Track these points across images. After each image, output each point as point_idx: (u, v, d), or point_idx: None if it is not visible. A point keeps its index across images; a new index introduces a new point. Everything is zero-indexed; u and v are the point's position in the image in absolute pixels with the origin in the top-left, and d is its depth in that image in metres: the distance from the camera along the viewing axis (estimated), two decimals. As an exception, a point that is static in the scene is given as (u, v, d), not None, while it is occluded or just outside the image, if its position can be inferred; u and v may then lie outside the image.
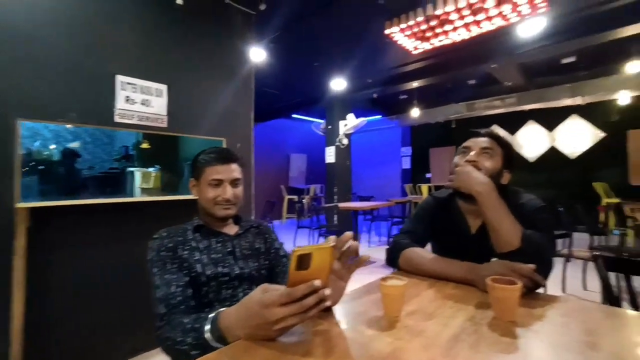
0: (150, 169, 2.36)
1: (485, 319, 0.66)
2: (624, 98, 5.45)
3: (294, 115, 8.32)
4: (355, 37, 3.90)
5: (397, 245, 1.08)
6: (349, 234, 0.63)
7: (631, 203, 4.49)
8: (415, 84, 5.42)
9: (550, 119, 6.55)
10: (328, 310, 0.70)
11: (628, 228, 3.48)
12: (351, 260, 0.67)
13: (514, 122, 6.96)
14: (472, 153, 1.08)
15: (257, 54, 3.63)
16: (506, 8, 2.80)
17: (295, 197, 8.21)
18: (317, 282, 0.52)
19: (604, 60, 4.92)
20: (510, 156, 1.13)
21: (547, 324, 0.64)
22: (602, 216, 5.34)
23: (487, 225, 0.93)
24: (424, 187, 7.65)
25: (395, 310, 0.68)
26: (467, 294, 0.81)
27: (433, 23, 3.11)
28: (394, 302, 0.68)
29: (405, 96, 6.83)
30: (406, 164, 8.76)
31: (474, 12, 2.90)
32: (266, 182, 8.42)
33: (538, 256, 0.84)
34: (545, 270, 0.84)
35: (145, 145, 2.10)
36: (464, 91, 6.50)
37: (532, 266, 0.79)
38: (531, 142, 6.79)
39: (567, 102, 5.83)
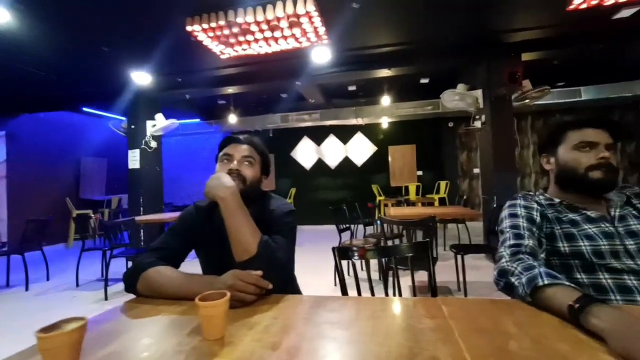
0: None
1: (192, 342, 0.59)
2: (385, 122, 7.38)
3: (86, 109, 6.62)
4: (156, 28, 3.44)
5: (137, 266, 0.90)
6: None
7: (390, 199, 6.10)
8: (230, 90, 5.39)
9: (345, 134, 8.07)
10: None
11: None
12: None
13: (320, 134, 8.15)
14: (235, 162, 1.06)
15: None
16: (297, 31, 3.16)
17: (89, 212, 6.52)
18: None
19: (372, 92, 6.48)
20: (267, 163, 1.18)
21: (251, 333, 0.63)
22: (376, 211, 7.00)
23: (227, 233, 0.90)
24: (246, 193, 7.77)
25: (62, 367, 0.50)
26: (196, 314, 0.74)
27: (235, 30, 3.13)
28: (59, 357, 0.50)
29: (223, 101, 6.72)
30: (229, 170, 8.65)
31: (272, 29, 3.12)
32: (40, 195, 6.28)
33: (272, 261, 0.88)
34: (276, 274, 0.88)
35: None
36: (280, 103, 7.05)
37: (258, 273, 0.80)
38: (332, 152, 8.13)
39: (353, 121, 7.34)
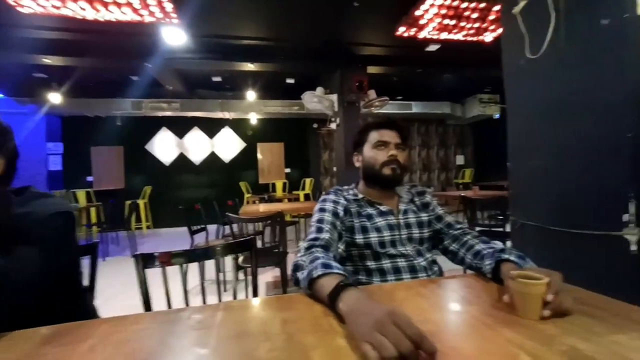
0: None
1: None
2: (253, 119, 7.29)
3: None
4: None
5: None
6: None
7: (256, 196, 6.06)
8: (48, 61, 4.19)
9: (211, 128, 7.53)
10: None
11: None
12: None
13: (182, 126, 7.35)
14: None
15: None
16: (134, 1, 2.68)
17: None
18: None
19: (239, 86, 6.25)
20: None
21: None
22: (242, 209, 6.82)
23: None
24: (82, 193, 6.27)
25: None
26: None
27: (41, -20, 2.41)
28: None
29: (42, 75, 5.20)
30: (56, 164, 6.81)
31: (98, -9, 2.54)
32: None
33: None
34: (4, 303, 0.63)
35: None
36: (133, 87, 5.96)
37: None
38: (196, 146, 7.47)
39: (220, 115, 6.94)
